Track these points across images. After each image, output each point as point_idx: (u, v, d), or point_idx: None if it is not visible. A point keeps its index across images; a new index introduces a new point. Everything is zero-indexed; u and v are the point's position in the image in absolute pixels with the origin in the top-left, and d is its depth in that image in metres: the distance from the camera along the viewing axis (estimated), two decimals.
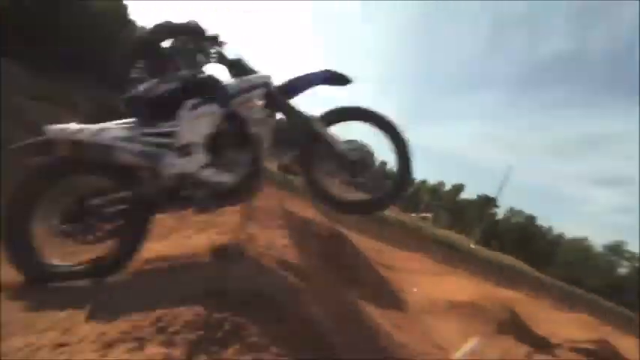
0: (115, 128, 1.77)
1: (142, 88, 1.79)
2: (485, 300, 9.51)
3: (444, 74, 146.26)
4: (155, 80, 1.78)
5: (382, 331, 5.50)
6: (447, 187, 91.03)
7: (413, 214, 48.28)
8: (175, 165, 1.72)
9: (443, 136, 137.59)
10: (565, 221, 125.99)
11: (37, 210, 1.88)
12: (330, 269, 6.72)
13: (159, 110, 1.71)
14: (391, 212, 29.48)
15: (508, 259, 34.04)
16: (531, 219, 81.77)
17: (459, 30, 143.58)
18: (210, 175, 1.76)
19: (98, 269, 1.98)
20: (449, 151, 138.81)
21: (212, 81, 1.82)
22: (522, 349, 8.54)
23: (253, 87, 1.87)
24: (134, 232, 2.00)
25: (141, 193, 1.82)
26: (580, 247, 74.69)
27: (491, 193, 62.83)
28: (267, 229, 3.89)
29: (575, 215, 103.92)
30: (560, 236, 79.83)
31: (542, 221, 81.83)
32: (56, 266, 1.99)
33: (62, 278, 1.98)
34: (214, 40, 1.87)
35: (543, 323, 13.69)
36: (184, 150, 1.67)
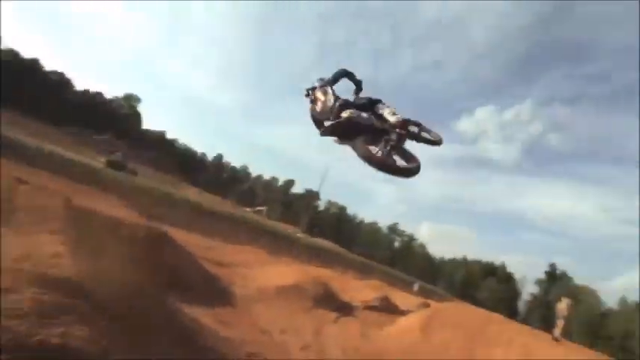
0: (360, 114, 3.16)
1: (351, 100, 3.27)
2: (306, 280, 10.77)
3: (281, 77, 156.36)
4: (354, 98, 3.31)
5: (205, 330, 5.27)
6: (280, 182, 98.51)
7: (248, 209, 49.18)
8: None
9: (279, 137, 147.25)
10: (365, 209, 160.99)
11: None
12: (146, 273, 5.85)
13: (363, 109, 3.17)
14: (224, 207, 28.88)
15: (326, 244, 40.17)
16: (343, 209, 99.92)
17: (294, 39, 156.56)
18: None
19: None
20: (283, 151, 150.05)
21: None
22: (332, 315, 10.24)
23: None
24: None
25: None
26: (373, 229, 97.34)
27: (315, 188, 72.07)
28: (30, 235, 2.90)
29: (371, 205, 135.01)
30: (362, 222, 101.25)
31: (351, 210, 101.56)
32: None
33: None
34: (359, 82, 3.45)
35: (349, 292, 16.90)
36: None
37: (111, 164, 24.95)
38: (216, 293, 7.96)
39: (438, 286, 71.09)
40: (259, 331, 6.77)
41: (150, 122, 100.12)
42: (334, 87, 3.33)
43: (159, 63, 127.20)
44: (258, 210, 48.41)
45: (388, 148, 2.96)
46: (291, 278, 10.99)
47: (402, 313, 14.18)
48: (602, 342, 63.58)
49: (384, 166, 2.96)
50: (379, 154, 2.99)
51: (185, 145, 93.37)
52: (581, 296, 68.72)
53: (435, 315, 10.38)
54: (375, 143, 3.05)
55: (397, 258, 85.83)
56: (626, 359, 50.77)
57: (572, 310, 11.98)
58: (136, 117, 70.71)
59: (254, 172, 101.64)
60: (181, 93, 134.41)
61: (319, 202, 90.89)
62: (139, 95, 71.23)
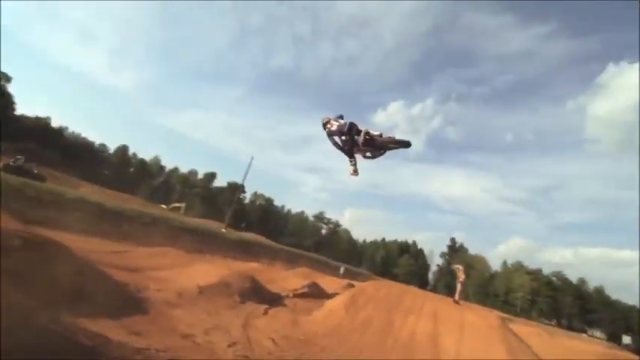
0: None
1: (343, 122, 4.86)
2: (231, 276, 10.35)
3: (189, 61, 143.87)
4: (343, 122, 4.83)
5: (113, 345, 4.62)
6: (200, 175, 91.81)
7: (163, 206, 44.87)
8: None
9: (193, 124, 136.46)
10: (290, 199, 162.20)
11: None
12: (29, 289, 4.83)
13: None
14: (133, 205, 25.78)
15: (252, 237, 39.36)
16: (270, 201, 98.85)
17: (207, 22, 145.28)
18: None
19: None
20: (200, 140, 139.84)
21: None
22: (261, 308, 10.09)
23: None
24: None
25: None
26: (300, 218, 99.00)
27: (238, 180, 69.24)
28: None
29: (296, 194, 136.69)
30: (288, 212, 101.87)
31: (278, 201, 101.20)
32: None
33: None
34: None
35: (277, 282, 16.89)
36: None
37: (7, 169, 20.09)
38: (126, 302, 7.06)
39: (362, 267, 76.51)
40: (179, 336, 6.24)
41: (27, 107, 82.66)
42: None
43: (35, 35, 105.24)
44: (176, 207, 44.57)
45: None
46: (215, 276, 10.43)
47: (330, 296, 14.79)
48: (491, 299, 77.16)
49: (396, 142, 4.59)
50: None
51: (77, 134, 78.98)
52: (474, 263, 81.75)
53: (358, 294, 11.07)
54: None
55: (324, 244, 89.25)
56: (508, 311, 62.40)
57: (464, 275, 14.13)
58: (6, 99, 57.14)
59: (168, 164, 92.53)
60: (67, 72, 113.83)
61: (244, 195, 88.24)
62: (8, 73, 57.44)
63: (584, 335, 52.84)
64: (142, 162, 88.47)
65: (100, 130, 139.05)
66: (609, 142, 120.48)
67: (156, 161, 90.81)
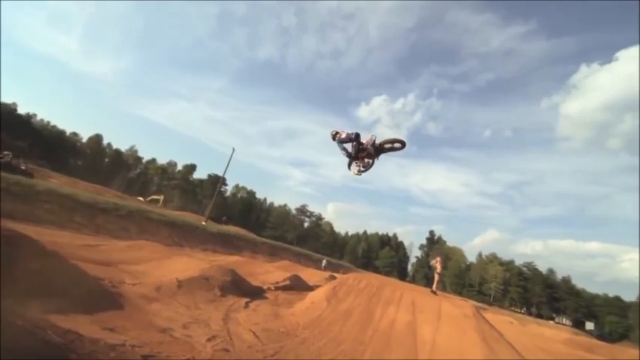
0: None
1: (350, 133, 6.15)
2: (211, 269, 10.19)
3: (169, 49, 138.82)
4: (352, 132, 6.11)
5: (86, 341, 4.45)
6: (179, 167, 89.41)
7: (141, 198, 43.49)
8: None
9: (173, 115, 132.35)
10: (274, 192, 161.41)
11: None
12: None
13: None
14: (108, 197, 24.87)
15: (234, 230, 38.91)
16: (252, 194, 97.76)
17: (187, 9, 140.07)
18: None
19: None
20: (180, 131, 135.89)
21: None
22: (242, 301, 10.01)
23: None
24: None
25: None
26: (283, 211, 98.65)
27: (220, 173, 68.04)
28: None
29: (279, 188, 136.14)
30: (271, 205, 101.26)
31: (260, 194, 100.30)
32: None
33: None
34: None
35: (259, 275, 16.81)
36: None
37: None
38: (100, 297, 6.82)
39: (344, 259, 77.41)
40: (157, 331, 6.10)
41: None
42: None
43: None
44: (154, 199, 43.33)
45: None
46: (194, 270, 10.25)
47: (311, 289, 14.87)
48: (467, 289, 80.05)
49: (394, 140, 5.95)
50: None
51: (47, 122, 74.63)
52: (451, 255, 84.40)
53: (339, 286, 11.19)
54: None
55: (306, 237, 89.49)
56: (482, 300, 64.92)
57: (442, 266, 14.56)
58: None
59: (145, 155, 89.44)
60: (35, 56, 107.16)
61: (226, 187, 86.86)
62: None
63: (551, 322, 55.88)
64: (118, 152, 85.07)
65: (72, 119, 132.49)
66: (579, 140, 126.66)
67: (132, 152, 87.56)
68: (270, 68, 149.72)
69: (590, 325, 64.69)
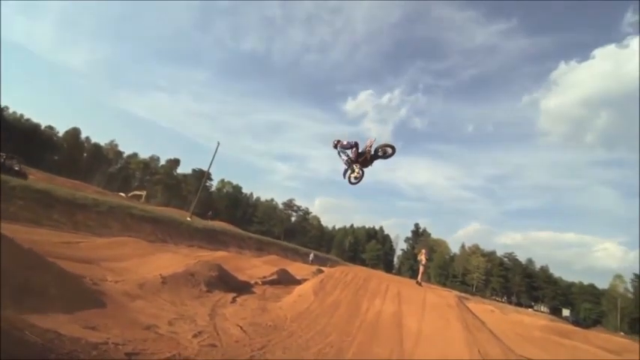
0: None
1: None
2: (197, 265, 10.05)
3: (149, 40, 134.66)
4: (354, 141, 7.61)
5: (66, 340, 4.31)
6: (162, 161, 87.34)
7: (122, 194, 42.32)
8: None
9: (154, 108, 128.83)
10: (260, 187, 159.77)
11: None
12: None
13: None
14: (87, 193, 24.09)
15: (220, 225, 38.46)
16: (238, 188, 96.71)
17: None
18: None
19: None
20: (162, 124, 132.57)
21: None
22: (229, 296, 9.94)
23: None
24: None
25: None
26: (269, 206, 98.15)
27: (204, 167, 66.87)
28: None
29: (265, 182, 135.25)
30: (257, 199, 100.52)
31: (246, 189, 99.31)
32: None
33: None
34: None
35: (246, 270, 16.72)
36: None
37: None
38: (80, 295, 6.62)
39: (331, 253, 77.89)
40: (141, 328, 5.98)
41: None
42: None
43: None
44: (136, 195, 42.28)
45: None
46: (179, 265, 10.09)
47: (299, 282, 14.91)
48: (450, 280, 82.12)
49: (384, 146, 7.17)
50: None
51: (20, 115, 71.04)
52: (436, 247, 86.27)
53: (326, 279, 11.25)
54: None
55: (294, 232, 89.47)
56: (465, 290, 66.80)
57: (427, 258, 14.88)
58: None
59: (126, 149, 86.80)
60: (5, 45, 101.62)
61: (211, 182, 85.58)
62: None
63: (530, 310, 58.15)
64: (97, 147, 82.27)
65: (46, 113, 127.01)
66: (557, 135, 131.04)
67: (112, 146, 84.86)
68: (256, 61, 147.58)
69: (566, 312, 67.71)
